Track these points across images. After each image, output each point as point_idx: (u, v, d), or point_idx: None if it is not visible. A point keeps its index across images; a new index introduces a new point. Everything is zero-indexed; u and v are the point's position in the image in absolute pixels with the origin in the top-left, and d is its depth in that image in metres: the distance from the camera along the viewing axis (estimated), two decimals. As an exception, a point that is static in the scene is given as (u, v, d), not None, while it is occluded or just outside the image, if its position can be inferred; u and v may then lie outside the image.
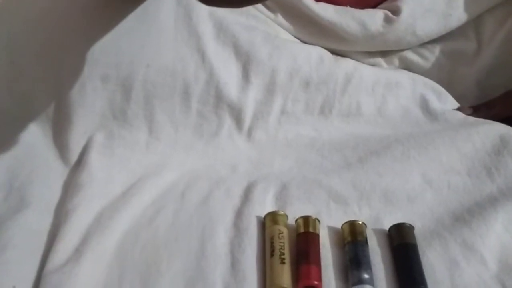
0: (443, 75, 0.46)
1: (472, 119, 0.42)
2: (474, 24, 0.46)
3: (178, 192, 0.36)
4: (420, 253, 0.31)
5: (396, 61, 0.46)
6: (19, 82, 0.36)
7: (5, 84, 0.36)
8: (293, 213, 0.33)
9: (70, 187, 0.34)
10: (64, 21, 0.34)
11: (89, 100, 0.36)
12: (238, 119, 0.40)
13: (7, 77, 0.35)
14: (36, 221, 0.32)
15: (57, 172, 0.35)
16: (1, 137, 0.37)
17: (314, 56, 0.41)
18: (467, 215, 0.33)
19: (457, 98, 0.45)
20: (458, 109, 0.44)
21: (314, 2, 0.43)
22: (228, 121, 0.40)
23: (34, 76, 0.36)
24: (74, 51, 0.35)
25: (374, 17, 0.42)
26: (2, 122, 0.37)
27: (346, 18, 0.42)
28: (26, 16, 0.34)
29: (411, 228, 0.32)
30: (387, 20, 0.42)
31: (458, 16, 0.44)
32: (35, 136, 0.36)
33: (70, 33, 0.34)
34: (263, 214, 0.33)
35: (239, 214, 0.34)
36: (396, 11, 0.42)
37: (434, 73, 0.46)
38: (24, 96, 0.36)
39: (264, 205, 0.34)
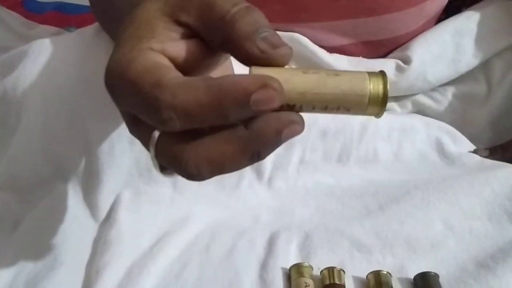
0: (456, 117, 0.47)
1: (489, 162, 0.42)
2: (483, 67, 0.47)
3: (203, 245, 0.36)
4: (447, 302, 0.31)
5: (409, 105, 0.47)
6: (51, 145, 0.38)
7: (39, 147, 0.38)
8: (317, 263, 0.34)
9: (99, 245, 0.36)
10: (94, 87, 0.36)
11: (117, 161, 0.38)
12: (258, 170, 0.41)
13: (41, 140, 0.37)
14: (69, 279, 0.33)
15: (88, 230, 0.37)
16: (34, 197, 0.39)
17: (330, 107, 0.43)
18: (491, 261, 0.33)
19: (471, 139, 0.46)
20: (474, 151, 0.45)
21: (328, 54, 0.45)
22: (248, 173, 0.41)
23: (65, 139, 0.38)
24: (102, 115, 0.37)
25: (386, 67, 0.44)
26: (35, 183, 0.39)
27: (359, 69, 0.43)
28: (58, 83, 0.36)
29: (436, 276, 0.32)
30: (399, 69, 0.44)
31: (467, 61, 0.45)
32: (66, 196, 0.38)
33: (99, 99, 0.36)
34: (287, 265, 0.34)
35: (264, 266, 0.34)
36: (406, 61, 0.44)
37: (447, 116, 0.47)
38: (56, 159, 0.38)
39: (288, 256, 0.35)
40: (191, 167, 0.20)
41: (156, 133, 0.21)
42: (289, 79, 0.21)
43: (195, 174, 0.20)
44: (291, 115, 0.21)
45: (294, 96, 0.21)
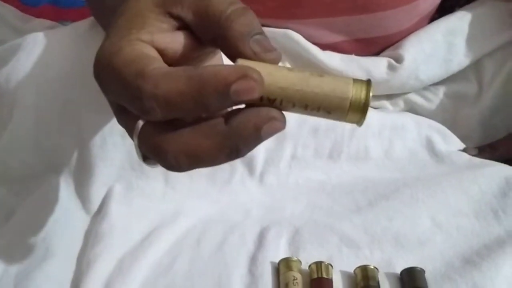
0: (447, 116, 0.48)
1: (477, 160, 0.43)
2: (475, 67, 0.47)
3: (194, 239, 0.37)
4: (432, 297, 0.31)
5: (401, 103, 0.48)
6: (44, 138, 0.38)
7: (32, 140, 0.38)
8: (306, 258, 0.34)
9: (91, 237, 0.36)
10: (87, 81, 0.37)
11: (110, 154, 0.38)
12: (250, 165, 0.42)
13: (34, 133, 0.38)
14: (60, 270, 0.33)
15: (79, 222, 0.37)
16: (27, 189, 0.39)
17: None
18: (477, 257, 0.33)
19: (461, 138, 0.46)
20: (464, 150, 0.45)
21: (321, 51, 0.45)
22: (240, 168, 0.42)
23: (58, 132, 0.38)
24: (95, 109, 0.37)
25: (379, 65, 0.44)
26: (28, 175, 0.39)
27: (351, 66, 0.44)
28: (51, 76, 0.36)
29: (422, 272, 0.33)
30: (391, 67, 0.44)
31: (459, 61, 0.46)
32: (58, 188, 0.38)
33: (92, 92, 0.37)
34: (276, 260, 0.34)
35: (253, 260, 0.35)
36: (398, 59, 0.44)
37: (439, 114, 0.48)
38: (48, 151, 0.39)
39: (277, 250, 0.35)
40: (170, 158, 0.20)
41: (140, 123, 0.21)
42: (272, 72, 0.21)
43: (173, 165, 0.21)
44: (271, 111, 0.21)
45: (275, 90, 0.21)
